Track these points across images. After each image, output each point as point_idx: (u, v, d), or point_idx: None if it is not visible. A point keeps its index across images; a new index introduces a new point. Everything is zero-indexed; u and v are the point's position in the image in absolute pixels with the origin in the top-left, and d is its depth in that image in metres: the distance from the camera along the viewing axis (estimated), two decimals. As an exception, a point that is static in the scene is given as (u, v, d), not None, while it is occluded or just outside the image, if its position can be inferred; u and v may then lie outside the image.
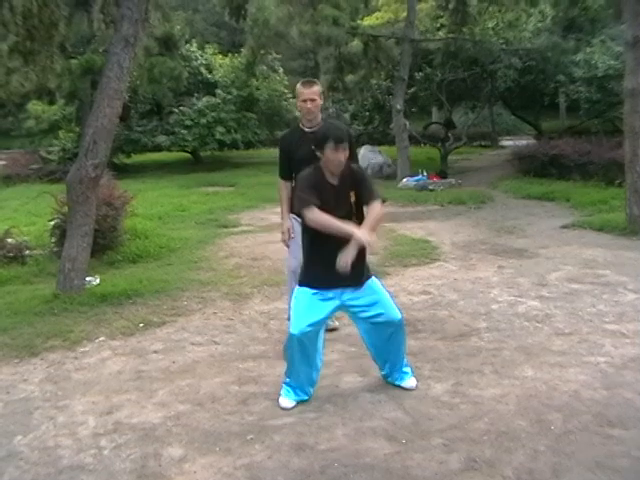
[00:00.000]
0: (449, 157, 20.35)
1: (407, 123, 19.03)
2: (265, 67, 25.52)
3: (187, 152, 25.68)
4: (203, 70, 26.17)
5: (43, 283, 8.01)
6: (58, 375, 5.28)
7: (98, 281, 7.82)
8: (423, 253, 9.02)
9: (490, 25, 20.69)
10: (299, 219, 4.71)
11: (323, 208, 4.17)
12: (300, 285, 4.47)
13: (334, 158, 4.25)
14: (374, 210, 4.30)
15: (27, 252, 9.27)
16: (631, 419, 4.08)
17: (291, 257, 5.73)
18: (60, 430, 4.30)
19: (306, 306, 4.34)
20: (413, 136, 20.41)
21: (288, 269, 5.90)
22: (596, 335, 5.62)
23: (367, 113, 25.52)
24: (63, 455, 3.98)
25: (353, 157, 4.82)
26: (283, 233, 5.78)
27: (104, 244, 8.91)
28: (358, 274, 4.36)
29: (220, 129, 23.93)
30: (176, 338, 6.04)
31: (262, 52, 21.50)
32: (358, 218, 4.36)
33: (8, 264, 8.86)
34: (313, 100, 5.47)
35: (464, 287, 7.30)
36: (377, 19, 21.87)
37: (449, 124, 21.64)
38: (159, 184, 19.30)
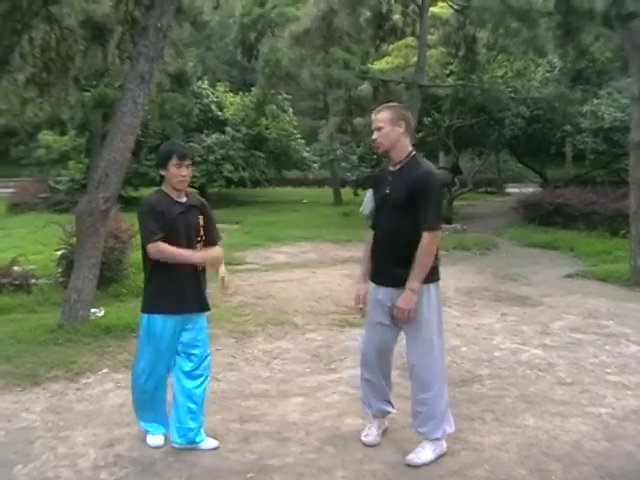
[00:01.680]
0: (454, 202, 20.47)
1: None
2: (275, 107, 25.83)
3: (194, 188, 25.83)
4: (214, 107, 26.50)
5: (48, 312, 8.03)
6: (60, 405, 5.28)
7: (103, 313, 7.85)
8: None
9: (499, 73, 20.95)
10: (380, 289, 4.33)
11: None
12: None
13: (177, 173, 4.29)
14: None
15: (33, 281, 9.31)
16: (632, 472, 4.07)
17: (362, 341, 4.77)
18: (60, 461, 4.29)
19: None
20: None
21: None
22: (598, 386, 5.61)
23: (375, 156, 25.66)
24: (63, 486, 3.98)
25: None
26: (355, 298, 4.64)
27: (110, 276, 8.95)
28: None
29: (228, 166, 24.16)
30: (178, 373, 6.03)
31: (272, 92, 21.78)
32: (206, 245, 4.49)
33: (14, 292, 8.90)
34: (379, 129, 4.33)
35: (467, 333, 7.31)
36: (387, 63, 22.12)
37: (455, 170, 21.77)
38: (165, 218, 19.39)
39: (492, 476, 4.02)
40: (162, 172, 4.33)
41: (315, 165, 28.91)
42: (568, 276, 10.74)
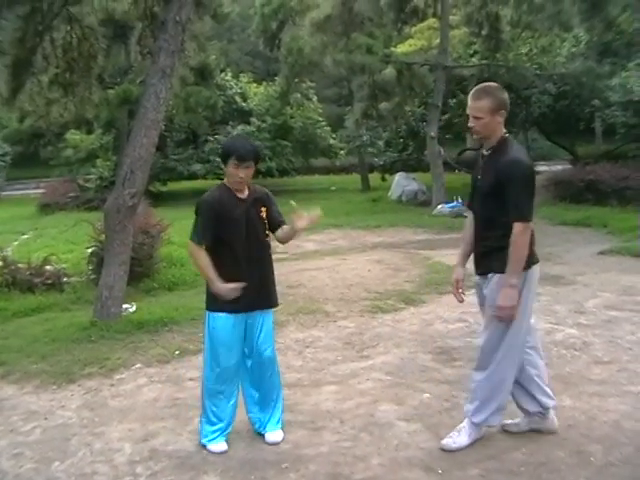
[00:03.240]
0: (484, 183, 20.24)
1: (442, 150, 19.01)
2: (299, 95, 25.77)
3: (222, 180, 25.88)
4: (238, 99, 26.51)
5: (80, 310, 8.11)
6: (95, 402, 5.32)
7: (134, 308, 7.88)
8: (459, 280, 8.94)
9: (524, 51, 20.70)
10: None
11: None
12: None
13: (235, 174, 4.21)
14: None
15: (65, 279, 9.41)
16: (674, 451, 3.99)
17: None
18: (97, 457, 4.32)
19: None
20: (447, 162, 20.36)
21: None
22: (636, 364, 5.51)
23: (401, 140, 25.52)
24: (100, 482, 4.00)
25: None
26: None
27: (140, 272, 9.00)
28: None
29: (255, 157, 24.13)
30: (211, 366, 6.04)
31: (296, 80, 21.70)
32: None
33: (47, 291, 8.99)
34: (477, 118, 4.06)
35: (500, 314, 7.21)
36: (410, 46, 21.93)
37: (483, 150, 21.51)
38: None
39: (530, 459, 3.95)
40: (223, 167, 4.28)
41: (342, 152, 28.84)
42: (602, 253, 10.58)
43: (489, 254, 4.05)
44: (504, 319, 3.94)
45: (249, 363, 4.43)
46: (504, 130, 4.09)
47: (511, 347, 4.03)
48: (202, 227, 4.18)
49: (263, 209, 4.34)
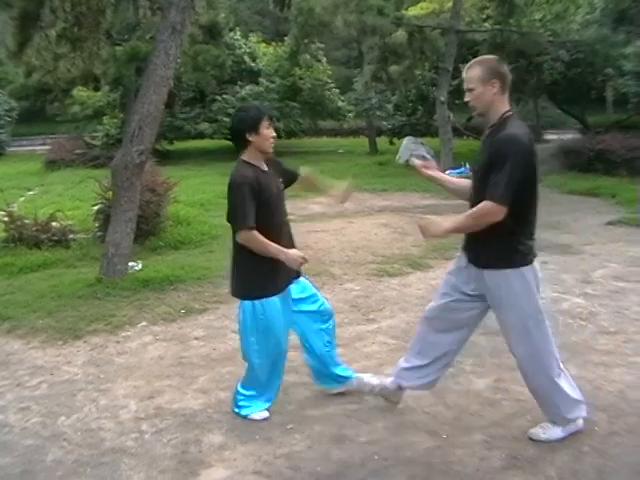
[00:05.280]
0: (492, 150, 20.12)
1: (451, 115, 18.83)
2: (309, 56, 25.48)
3: (229, 140, 25.77)
4: (247, 58, 26.25)
5: (87, 267, 8.12)
6: (101, 359, 5.35)
7: (140, 266, 7.89)
8: (465, 246, 8.93)
9: (537, 17, 20.36)
10: None
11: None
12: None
13: (269, 135, 4.10)
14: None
15: (71, 236, 9.41)
16: (679, 422, 3.99)
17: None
18: (102, 413, 4.35)
19: None
20: (456, 128, 20.20)
21: None
22: (642, 335, 5.50)
23: (410, 104, 25.27)
24: (105, 438, 4.03)
25: None
26: None
27: (147, 230, 8.99)
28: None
29: (263, 117, 23.99)
30: (217, 325, 6.07)
31: (306, 41, 21.41)
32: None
33: (53, 247, 9.00)
34: (470, 90, 3.76)
35: (507, 282, 7.19)
36: (422, 9, 21.62)
37: (493, 116, 21.35)
38: (201, 171, 19.46)
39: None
40: (251, 138, 4.01)
41: (350, 114, 28.60)
42: (610, 223, 10.52)
43: (487, 244, 3.65)
44: (421, 230, 3.78)
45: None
46: (507, 107, 3.76)
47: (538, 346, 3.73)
48: (247, 209, 3.92)
49: (280, 179, 4.27)
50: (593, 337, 5.51)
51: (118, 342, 5.72)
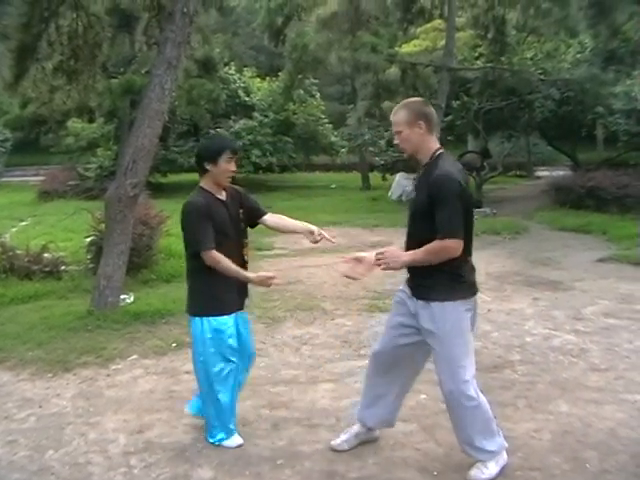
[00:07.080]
0: (484, 186, 20.23)
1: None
2: (302, 92, 25.73)
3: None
4: (241, 93, 26.46)
5: (78, 299, 8.09)
6: (90, 391, 5.31)
7: (132, 299, 7.88)
8: (457, 282, 8.94)
9: (529, 55, 20.68)
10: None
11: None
12: None
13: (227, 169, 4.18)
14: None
15: (63, 267, 9.40)
16: (670, 460, 3.98)
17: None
18: (91, 447, 4.31)
19: None
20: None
21: None
22: (633, 372, 5.50)
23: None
24: (93, 472, 3.99)
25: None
26: None
27: (139, 263, 8.98)
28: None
29: (256, 152, 24.15)
30: (208, 359, 6.03)
31: (300, 77, 21.64)
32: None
33: (44, 279, 8.98)
34: (398, 133, 3.83)
35: (498, 318, 7.22)
36: (415, 46, 21.92)
37: (485, 153, 21.49)
38: (194, 204, 19.45)
39: (526, 464, 3.95)
40: (209, 167, 4.11)
41: (343, 150, 28.79)
42: (601, 260, 10.56)
43: (428, 277, 3.74)
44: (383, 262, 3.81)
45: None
46: (437, 145, 3.83)
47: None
48: (204, 232, 4.03)
49: (241, 210, 4.32)
50: (584, 374, 5.50)
51: (108, 375, 5.68)
